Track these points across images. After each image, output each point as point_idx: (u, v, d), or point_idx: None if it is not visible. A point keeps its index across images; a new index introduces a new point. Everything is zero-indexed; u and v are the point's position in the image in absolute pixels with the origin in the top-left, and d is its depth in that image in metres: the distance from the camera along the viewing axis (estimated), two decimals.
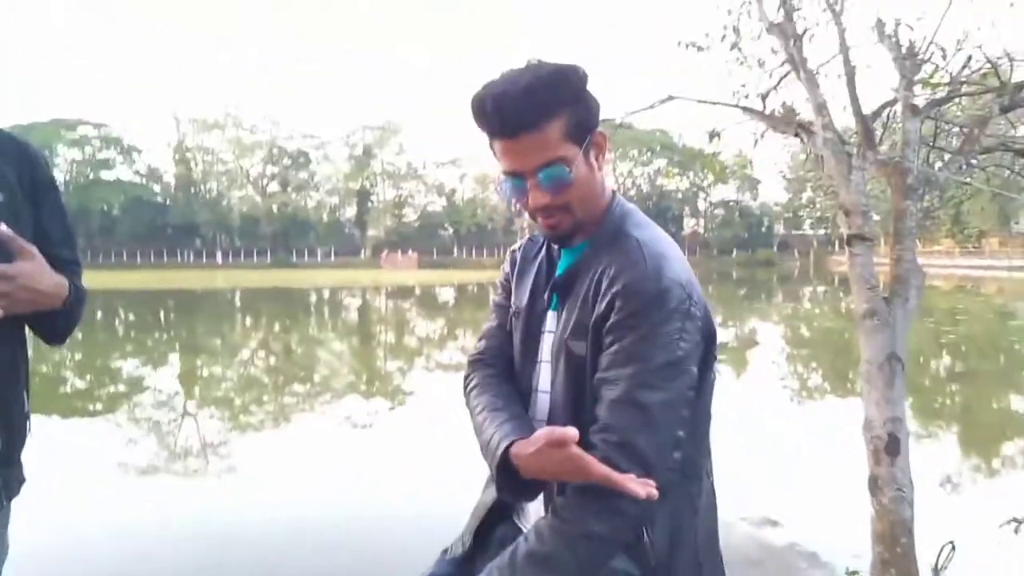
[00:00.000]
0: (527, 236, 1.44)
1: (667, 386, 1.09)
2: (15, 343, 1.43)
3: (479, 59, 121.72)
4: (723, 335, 18.16)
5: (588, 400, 1.16)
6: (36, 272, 1.31)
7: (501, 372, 1.38)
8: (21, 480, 1.48)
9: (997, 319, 20.51)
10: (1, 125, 1.47)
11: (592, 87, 1.24)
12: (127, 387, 11.18)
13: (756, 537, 3.24)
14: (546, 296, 1.30)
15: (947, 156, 2.48)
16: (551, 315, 1.29)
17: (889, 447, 2.26)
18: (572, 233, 1.23)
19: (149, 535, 4.80)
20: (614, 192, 1.29)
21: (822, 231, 69.82)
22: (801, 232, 75.34)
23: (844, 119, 2.62)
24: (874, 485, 2.35)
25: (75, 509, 5.17)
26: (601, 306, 1.14)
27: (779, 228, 77.15)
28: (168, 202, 75.79)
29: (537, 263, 1.35)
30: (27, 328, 1.48)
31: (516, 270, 1.40)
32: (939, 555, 2.68)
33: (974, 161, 2.48)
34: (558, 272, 1.29)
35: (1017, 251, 49.17)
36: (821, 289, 36.41)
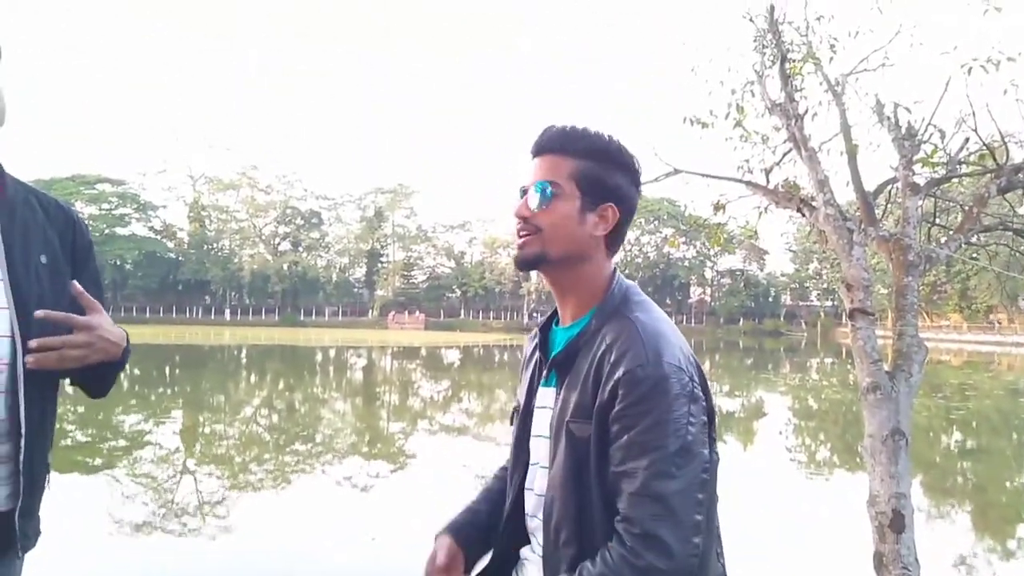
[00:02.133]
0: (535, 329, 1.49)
1: (682, 473, 1.11)
2: (47, 399, 1.48)
3: (479, 59, 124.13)
4: (730, 405, 17.98)
5: (592, 478, 1.18)
6: (107, 323, 1.41)
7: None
8: (38, 532, 1.50)
9: (1008, 396, 20.24)
10: (24, 179, 1.55)
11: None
12: (128, 442, 11.09)
13: None
14: (544, 373, 1.33)
15: (949, 232, 2.51)
16: (546, 391, 1.32)
17: (894, 523, 2.21)
18: (533, 262, 1.29)
19: None
20: (616, 270, 1.33)
21: (829, 302, 69.76)
22: (808, 303, 75.30)
23: (847, 193, 2.68)
24: (879, 562, 2.30)
25: (70, 565, 5.08)
26: (604, 394, 1.17)
27: (786, 298, 77.14)
28: (180, 258, 76.57)
29: (534, 358, 1.40)
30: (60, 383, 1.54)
31: (525, 362, 1.45)
32: None
33: (974, 240, 2.51)
34: (557, 348, 1.32)
35: None
36: (828, 360, 36.14)
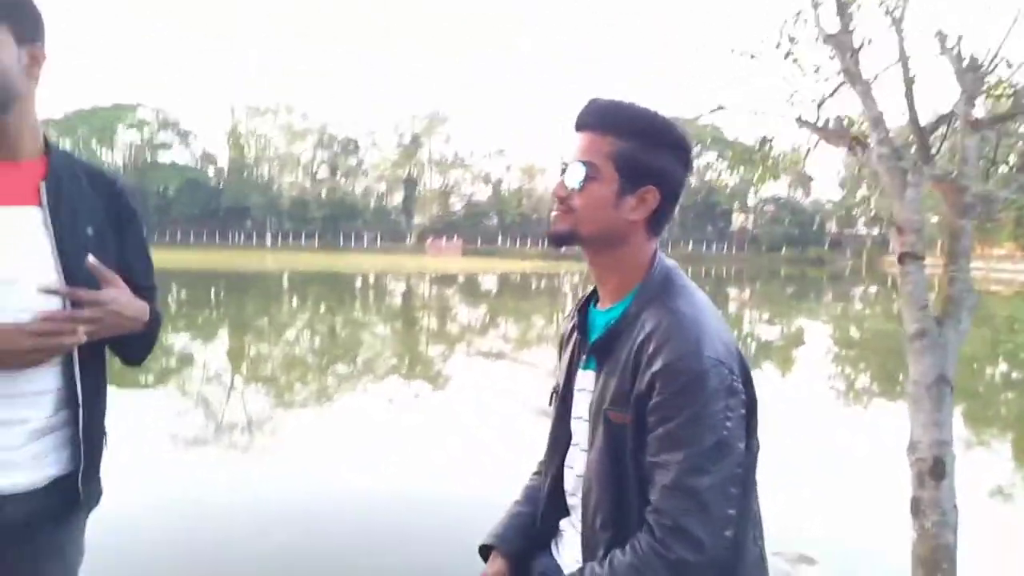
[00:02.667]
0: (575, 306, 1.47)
1: (716, 468, 1.11)
2: (99, 367, 1.54)
3: (479, 59, 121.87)
4: (769, 333, 17.89)
5: (629, 465, 1.19)
6: (122, 298, 1.43)
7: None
8: (100, 492, 1.58)
9: None
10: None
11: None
12: (179, 362, 11.54)
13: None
14: (583, 357, 1.33)
15: (1011, 169, 2.38)
16: (585, 374, 1.32)
17: (934, 471, 2.20)
18: (564, 238, 1.26)
19: (198, 504, 4.99)
20: (657, 251, 1.30)
21: (876, 230, 67.85)
22: (854, 231, 73.35)
23: (898, 122, 2.53)
24: (917, 508, 2.30)
25: (128, 475, 5.39)
26: (642, 384, 1.16)
27: (831, 226, 75.23)
28: (221, 185, 77.52)
29: (573, 339, 1.39)
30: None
31: (563, 341, 1.45)
32: None
33: None
34: (595, 334, 1.31)
35: None
36: (873, 289, 35.50)
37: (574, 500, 1.34)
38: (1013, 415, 9.54)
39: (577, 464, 1.32)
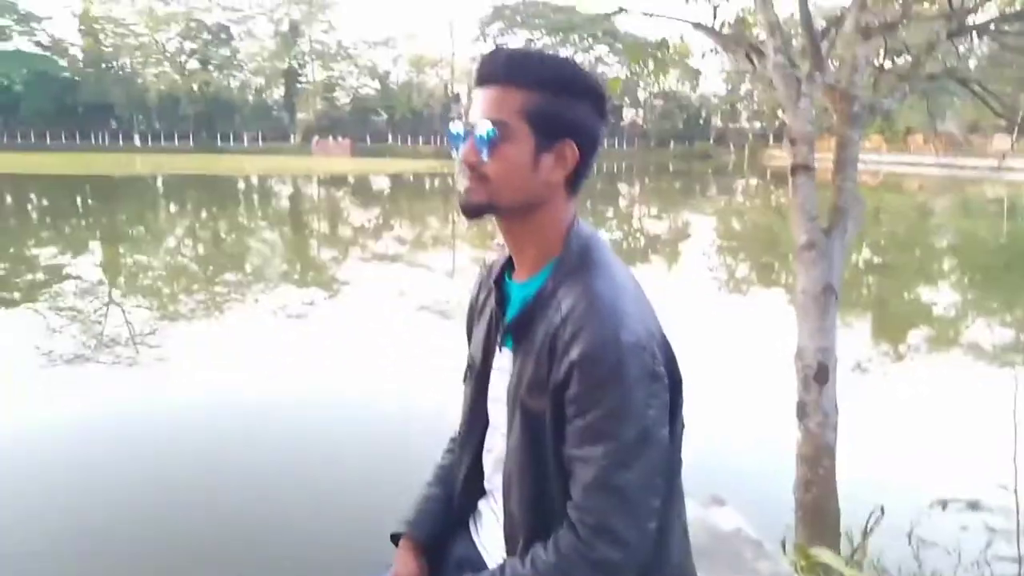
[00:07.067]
0: (488, 264, 1.34)
1: (639, 462, 1.06)
2: None
3: None
4: (657, 228, 18.54)
5: (549, 456, 1.13)
6: None
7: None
8: None
9: (918, 216, 21.47)
10: None
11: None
12: (47, 275, 10.73)
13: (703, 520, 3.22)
14: (499, 337, 1.24)
15: (897, 77, 2.45)
16: (503, 354, 1.23)
17: (819, 375, 2.35)
18: (478, 211, 1.15)
19: (80, 423, 4.76)
20: (575, 217, 1.19)
21: (758, 124, 70.42)
22: (738, 125, 75.77)
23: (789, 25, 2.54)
24: (802, 411, 2.46)
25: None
26: (559, 374, 1.09)
27: (717, 121, 77.37)
28: (77, 78, 69.96)
29: (490, 307, 1.28)
30: None
31: (476, 311, 1.34)
32: (868, 520, 2.72)
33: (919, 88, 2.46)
34: (512, 311, 1.22)
35: (941, 149, 50.91)
36: (754, 182, 37.22)
37: (492, 483, 1.28)
38: (872, 297, 10.46)
39: (496, 447, 1.26)
